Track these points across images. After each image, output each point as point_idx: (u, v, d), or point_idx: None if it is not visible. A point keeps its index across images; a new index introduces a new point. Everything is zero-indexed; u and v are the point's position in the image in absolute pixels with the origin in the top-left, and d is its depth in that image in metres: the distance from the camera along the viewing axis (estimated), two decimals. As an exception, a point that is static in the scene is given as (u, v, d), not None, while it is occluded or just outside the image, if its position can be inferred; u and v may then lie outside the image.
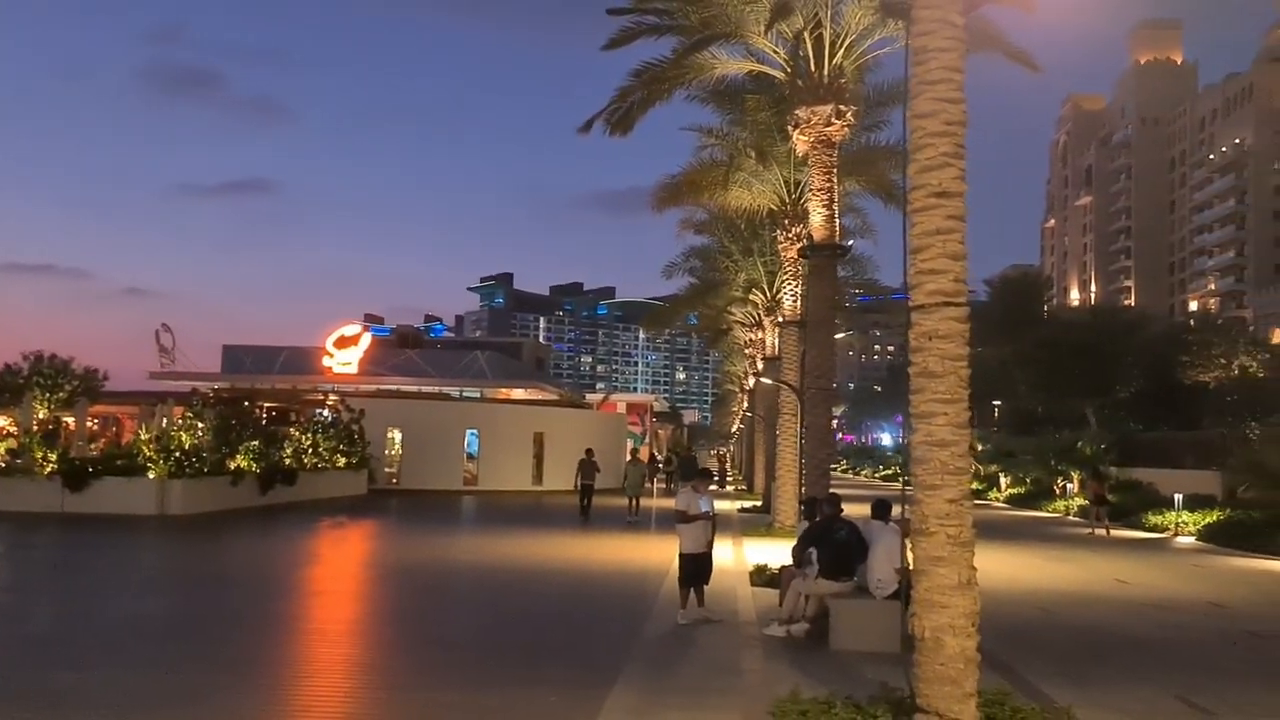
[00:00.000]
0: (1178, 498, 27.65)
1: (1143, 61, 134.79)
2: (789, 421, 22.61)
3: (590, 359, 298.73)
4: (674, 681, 9.00)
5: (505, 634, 11.78)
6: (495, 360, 51.05)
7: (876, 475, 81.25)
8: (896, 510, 9.88)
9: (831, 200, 16.29)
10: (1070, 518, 33.90)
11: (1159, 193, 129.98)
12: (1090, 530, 27.84)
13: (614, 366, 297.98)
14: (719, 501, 35.94)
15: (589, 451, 26.98)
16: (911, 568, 7.14)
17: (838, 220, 16.81)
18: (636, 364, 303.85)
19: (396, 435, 37.97)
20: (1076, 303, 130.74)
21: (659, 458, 54.67)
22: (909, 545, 7.38)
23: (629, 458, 27.53)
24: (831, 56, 15.34)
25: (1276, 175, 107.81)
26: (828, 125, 15.44)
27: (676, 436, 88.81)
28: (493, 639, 11.42)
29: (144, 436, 25.86)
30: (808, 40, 15.12)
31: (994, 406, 67.26)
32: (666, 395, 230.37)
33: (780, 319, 26.32)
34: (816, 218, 16.44)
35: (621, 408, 57.94)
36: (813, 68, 15.40)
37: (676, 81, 16.43)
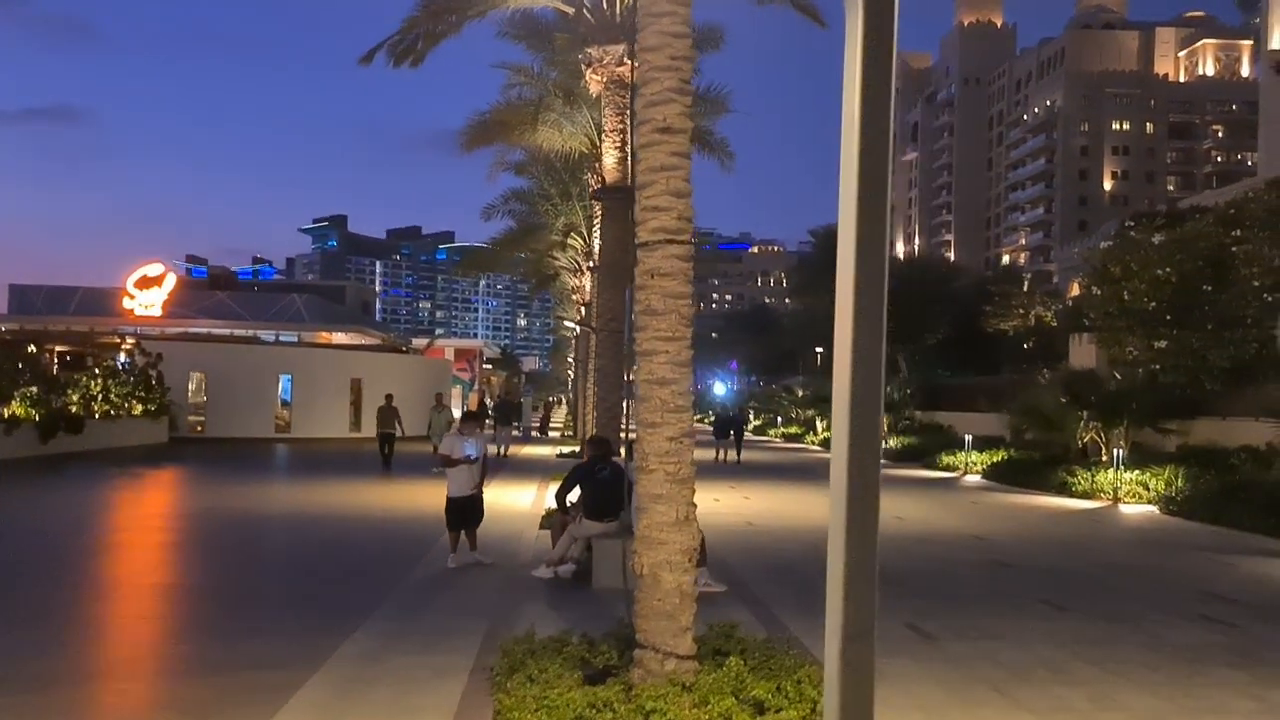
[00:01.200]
0: (968, 438, 29.26)
1: (966, 23, 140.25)
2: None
3: (429, 305, 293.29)
4: (419, 625, 8.85)
5: (271, 584, 11.43)
6: (314, 303, 49.21)
7: (706, 422, 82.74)
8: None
9: (624, 142, 16.20)
10: (875, 459, 35.51)
11: (978, 150, 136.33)
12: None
13: (454, 312, 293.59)
14: (542, 448, 36.32)
15: (389, 397, 26.21)
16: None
17: (630, 163, 16.75)
18: (477, 310, 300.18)
19: (202, 381, 36.21)
20: (901, 255, 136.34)
21: (490, 404, 54.10)
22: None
23: (434, 403, 26.89)
24: (624, -5, 15.18)
25: (1083, 136, 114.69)
26: (620, 65, 15.25)
27: (512, 384, 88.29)
28: (256, 589, 11.03)
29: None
30: (598, -25, 14.92)
31: (817, 354, 69.65)
32: (507, 342, 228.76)
33: (593, 264, 26.28)
34: (609, 159, 16.35)
35: (449, 353, 57.02)
36: (605, 5, 15.19)
37: (466, 14, 15.90)
